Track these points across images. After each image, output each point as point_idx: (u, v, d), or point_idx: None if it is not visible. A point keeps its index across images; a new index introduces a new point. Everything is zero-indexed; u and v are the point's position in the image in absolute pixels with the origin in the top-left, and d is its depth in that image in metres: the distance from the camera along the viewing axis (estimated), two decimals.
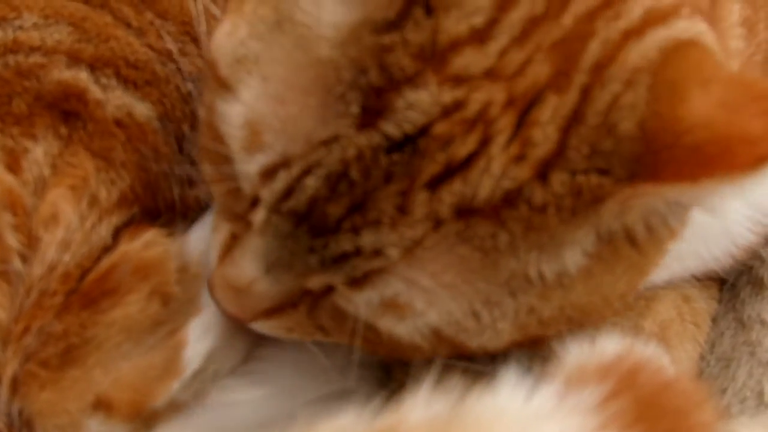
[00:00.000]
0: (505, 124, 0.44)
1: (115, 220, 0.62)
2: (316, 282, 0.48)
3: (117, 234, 0.62)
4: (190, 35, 0.67)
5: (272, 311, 0.53)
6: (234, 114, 0.49)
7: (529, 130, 0.44)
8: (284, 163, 0.46)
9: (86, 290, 0.60)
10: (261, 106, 0.48)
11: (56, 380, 0.58)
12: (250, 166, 0.48)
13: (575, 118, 0.44)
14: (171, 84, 0.65)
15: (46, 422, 0.58)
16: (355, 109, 0.45)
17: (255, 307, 0.52)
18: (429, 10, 0.44)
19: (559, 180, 0.45)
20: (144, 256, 0.61)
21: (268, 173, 0.47)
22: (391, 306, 0.47)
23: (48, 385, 0.58)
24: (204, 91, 0.54)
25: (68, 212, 0.59)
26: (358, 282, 0.47)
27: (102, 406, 0.59)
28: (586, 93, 0.44)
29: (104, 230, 0.61)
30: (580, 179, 0.44)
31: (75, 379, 0.59)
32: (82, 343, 0.59)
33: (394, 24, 0.45)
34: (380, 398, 0.44)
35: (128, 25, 0.65)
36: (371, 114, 0.45)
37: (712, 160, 0.41)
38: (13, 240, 0.58)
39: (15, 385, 0.58)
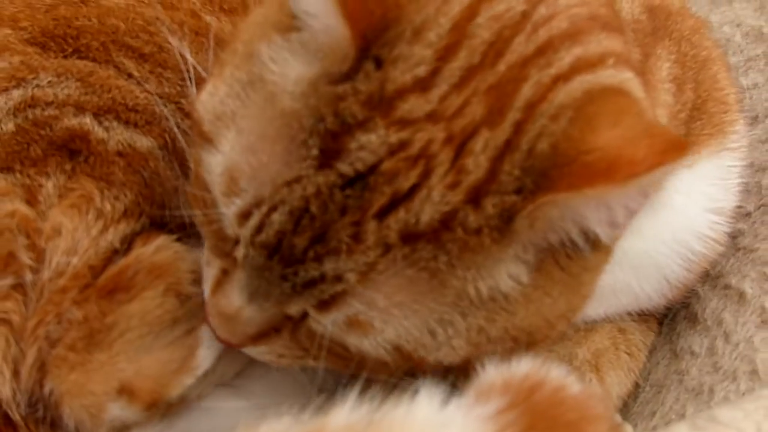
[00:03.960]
0: (444, 158, 0.50)
1: (123, 227, 0.70)
2: (293, 308, 0.54)
3: (131, 241, 0.70)
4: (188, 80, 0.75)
5: (259, 336, 0.59)
6: (215, 164, 0.55)
7: (463, 160, 0.50)
8: (256, 204, 0.52)
9: (102, 284, 0.68)
10: (237, 156, 0.54)
11: (83, 362, 0.66)
12: (229, 209, 0.54)
13: (508, 147, 0.50)
14: (171, 121, 0.73)
15: (73, 402, 0.65)
16: (314, 152, 0.51)
17: (243, 332, 0.58)
18: (378, 64, 0.51)
19: (491, 203, 0.50)
20: (155, 259, 0.69)
21: (244, 214, 0.53)
22: (354, 324, 0.53)
23: (77, 366, 0.65)
24: (192, 145, 0.61)
25: (68, 224, 0.67)
26: (325, 304, 0.53)
27: (125, 391, 0.66)
28: (519, 127, 0.51)
29: (111, 236, 0.69)
30: (507, 200, 0.50)
31: (101, 363, 0.66)
32: (104, 329, 0.66)
33: (347, 76, 0.51)
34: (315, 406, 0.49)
35: (129, 76, 0.74)
36: (328, 155, 0.50)
37: (597, 174, 0.48)
38: (25, 258, 0.67)
39: (41, 371, 0.65)
